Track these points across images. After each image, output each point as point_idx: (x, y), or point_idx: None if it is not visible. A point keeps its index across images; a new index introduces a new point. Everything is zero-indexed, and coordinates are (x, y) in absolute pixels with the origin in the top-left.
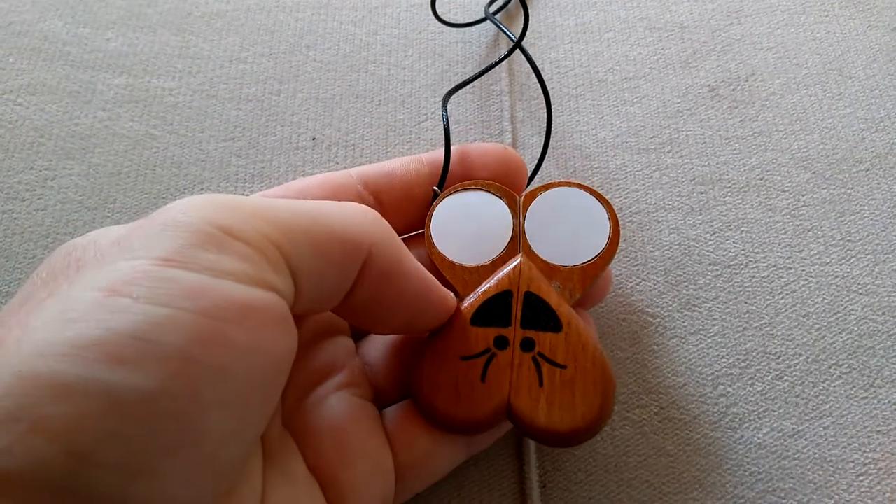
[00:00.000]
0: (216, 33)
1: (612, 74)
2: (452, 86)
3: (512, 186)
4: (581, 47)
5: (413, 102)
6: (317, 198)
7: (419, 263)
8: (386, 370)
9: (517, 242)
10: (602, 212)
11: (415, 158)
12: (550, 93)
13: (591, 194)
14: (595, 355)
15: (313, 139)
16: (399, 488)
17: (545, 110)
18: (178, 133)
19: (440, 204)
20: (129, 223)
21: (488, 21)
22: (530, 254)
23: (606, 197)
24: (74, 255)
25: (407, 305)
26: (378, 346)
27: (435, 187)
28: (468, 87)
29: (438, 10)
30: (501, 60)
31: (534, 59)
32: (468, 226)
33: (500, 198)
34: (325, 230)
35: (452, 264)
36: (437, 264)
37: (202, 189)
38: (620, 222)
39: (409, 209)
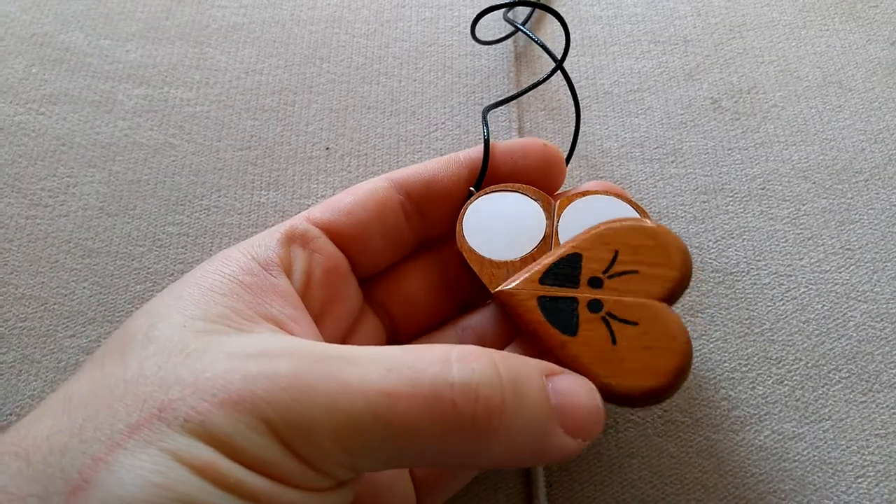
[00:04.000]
0: (233, 45)
1: (617, 87)
2: (493, 101)
3: (551, 182)
4: (587, 60)
5: (423, 113)
6: (364, 219)
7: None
8: None
9: (549, 243)
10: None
11: (453, 160)
12: (557, 104)
13: (628, 203)
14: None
15: (327, 149)
16: None
17: (567, 120)
18: (196, 142)
19: (475, 202)
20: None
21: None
22: None
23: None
24: (149, 351)
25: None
26: None
27: (472, 188)
28: (475, 94)
29: (451, 24)
30: (544, 80)
31: (541, 72)
32: (501, 223)
33: (535, 200)
34: (404, 443)
35: (481, 258)
36: (466, 257)
37: (219, 196)
38: None
39: (451, 213)
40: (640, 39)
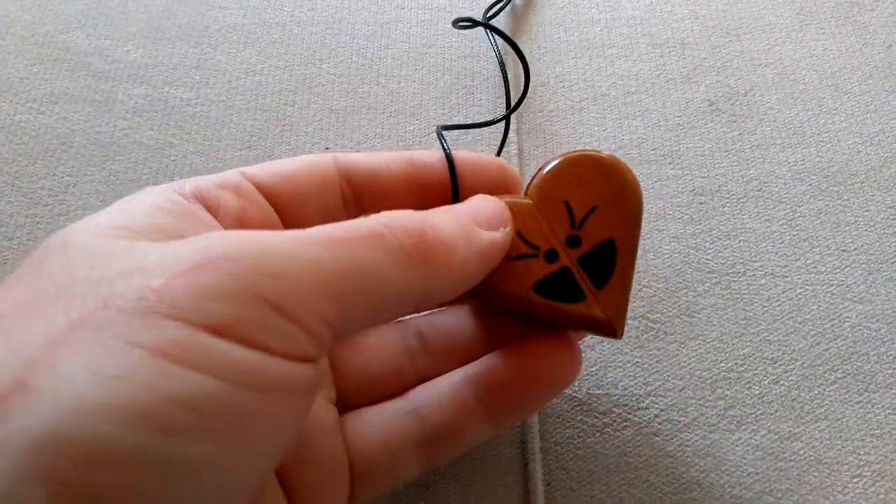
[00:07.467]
0: (233, 46)
1: (614, 89)
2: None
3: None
4: (585, 62)
5: (423, 114)
6: (302, 190)
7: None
8: (352, 371)
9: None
10: None
11: (405, 159)
12: (555, 106)
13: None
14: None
15: (326, 149)
16: (355, 492)
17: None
18: (196, 142)
19: None
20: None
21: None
22: None
23: None
24: (71, 257)
25: None
26: (346, 347)
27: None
28: (473, 96)
29: (451, 27)
30: (496, 122)
31: (540, 74)
32: None
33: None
34: (376, 296)
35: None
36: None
37: None
38: None
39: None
40: (638, 42)
